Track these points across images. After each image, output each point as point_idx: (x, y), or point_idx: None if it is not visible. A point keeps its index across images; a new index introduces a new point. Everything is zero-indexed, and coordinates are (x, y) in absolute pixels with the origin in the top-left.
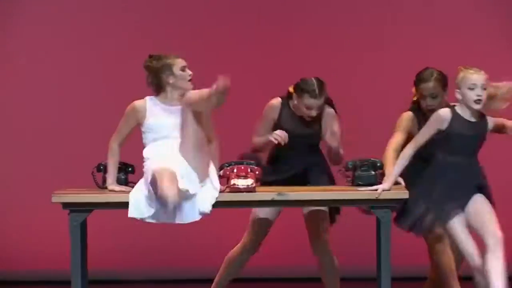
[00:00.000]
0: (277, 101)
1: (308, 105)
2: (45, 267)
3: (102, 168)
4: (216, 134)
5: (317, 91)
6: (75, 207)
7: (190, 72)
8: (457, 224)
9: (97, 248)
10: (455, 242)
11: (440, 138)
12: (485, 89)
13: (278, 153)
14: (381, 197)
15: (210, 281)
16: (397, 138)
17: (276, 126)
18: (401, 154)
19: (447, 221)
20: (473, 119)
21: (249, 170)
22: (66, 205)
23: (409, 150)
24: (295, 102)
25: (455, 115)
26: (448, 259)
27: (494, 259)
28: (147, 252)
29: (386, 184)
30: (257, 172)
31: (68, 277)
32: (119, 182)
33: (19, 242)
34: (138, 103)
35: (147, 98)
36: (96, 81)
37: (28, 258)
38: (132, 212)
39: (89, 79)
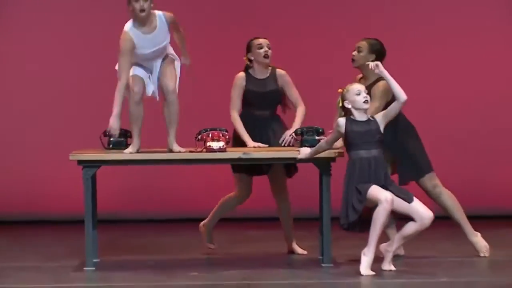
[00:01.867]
0: (241, 73)
1: (258, 44)
2: (61, 209)
3: (107, 133)
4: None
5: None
6: (88, 163)
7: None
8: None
9: (103, 193)
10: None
11: (345, 139)
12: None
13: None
14: (322, 155)
15: (199, 220)
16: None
17: (245, 92)
18: None
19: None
20: (364, 119)
21: (221, 135)
22: (80, 161)
23: None
24: (253, 56)
25: (349, 120)
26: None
27: None
28: (145, 195)
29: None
30: (227, 136)
31: (80, 217)
32: (121, 144)
33: (42, 189)
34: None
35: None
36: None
37: (46, 202)
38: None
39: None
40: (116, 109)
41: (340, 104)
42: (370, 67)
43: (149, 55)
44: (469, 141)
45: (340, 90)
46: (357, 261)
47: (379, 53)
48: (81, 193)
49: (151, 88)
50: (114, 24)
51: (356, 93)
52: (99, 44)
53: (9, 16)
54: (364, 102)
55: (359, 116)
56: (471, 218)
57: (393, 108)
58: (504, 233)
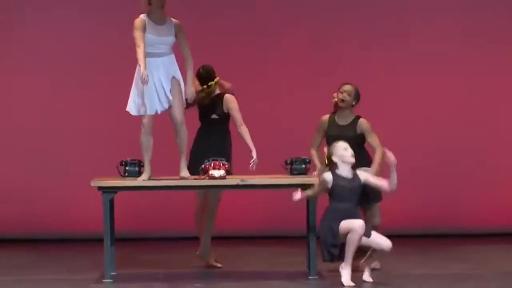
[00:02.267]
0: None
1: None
2: (83, 228)
3: (123, 163)
4: None
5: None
6: (106, 189)
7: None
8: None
9: (120, 214)
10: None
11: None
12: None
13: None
14: (309, 182)
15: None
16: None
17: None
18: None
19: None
20: (350, 175)
21: (221, 165)
22: (100, 188)
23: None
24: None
25: (334, 175)
26: None
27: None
28: (157, 216)
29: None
30: (227, 166)
31: (100, 236)
32: (134, 173)
33: (67, 211)
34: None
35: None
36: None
37: (70, 222)
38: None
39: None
40: (142, 65)
41: (327, 161)
42: (390, 159)
43: (155, 43)
44: (425, 164)
45: (325, 149)
46: (339, 274)
47: (359, 97)
48: (100, 215)
49: (159, 108)
50: (123, 47)
51: (344, 148)
52: (116, 77)
53: (28, 47)
54: (351, 156)
55: (344, 171)
56: (431, 236)
57: (378, 186)
58: (464, 250)
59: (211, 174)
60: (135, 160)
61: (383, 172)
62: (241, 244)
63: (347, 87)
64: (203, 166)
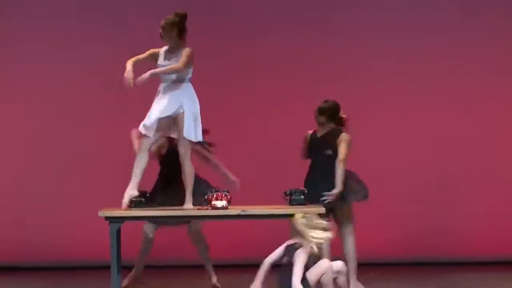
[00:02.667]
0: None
1: None
2: (91, 256)
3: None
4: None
5: None
6: (113, 219)
7: None
8: None
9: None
10: None
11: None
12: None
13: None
14: (308, 211)
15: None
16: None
17: None
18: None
19: None
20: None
21: (223, 196)
22: (107, 218)
23: None
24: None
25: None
26: None
27: None
28: (159, 246)
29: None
30: (228, 197)
31: (106, 263)
32: (140, 204)
33: (74, 240)
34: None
35: None
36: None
37: (78, 250)
38: None
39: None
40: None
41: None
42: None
43: (161, 67)
44: (413, 193)
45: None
46: None
47: (336, 112)
48: (107, 244)
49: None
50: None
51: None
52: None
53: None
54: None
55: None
56: (421, 264)
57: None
58: (453, 278)
59: (214, 204)
60: (140, 191)
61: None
62: (244, 271)
63: (323, 105)
64: (206, 197)
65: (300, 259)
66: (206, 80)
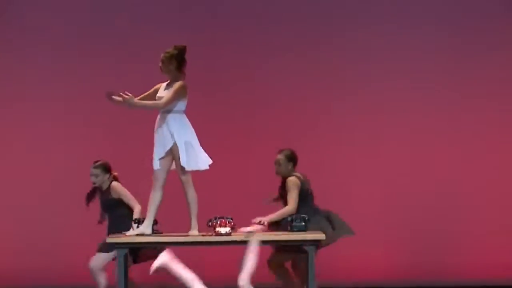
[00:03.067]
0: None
1: None
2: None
3: (137, 221)
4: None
5: None
6: (121, 245)
7: None
8: None
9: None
10: None
11: None
12: None
13: None
14: (309, 238)
15: None
16: None
17: None
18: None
19: None
20: None
21: (227, 222)
22: (115, 243)
23: None
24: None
25: None
26: None
27: None
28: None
29: None
30: (232, 223)
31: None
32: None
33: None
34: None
35: None
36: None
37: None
38: None
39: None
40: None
41: None
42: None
43: (159, 99)
44: (412, 221)
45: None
46: None
47: (294, 159)
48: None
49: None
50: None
51: None
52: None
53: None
54: None
55: None
56: None
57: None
58: None
59: (218, 231)
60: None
61: None
62: None
63: (277, 158)
64: (210, 223)
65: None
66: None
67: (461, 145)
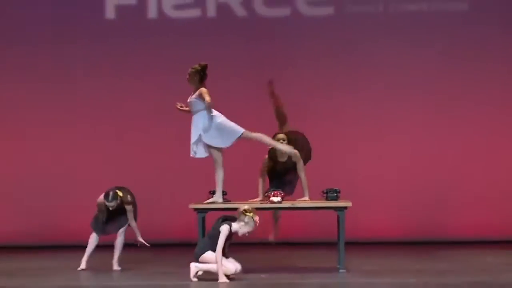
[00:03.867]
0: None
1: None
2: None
3: (212, 192)
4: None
5: None
6: (200, 210)
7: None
8: None
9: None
10: None
11: None
12: None
13: None
14: (340, 205)
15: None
16: None
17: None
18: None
19: None
20: None
21: (279, 193)
22: (196, 209)
23: None
24: None
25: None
26: None
27: None
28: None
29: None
30: (282, 195)
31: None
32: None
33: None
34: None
35: None
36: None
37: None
38: None
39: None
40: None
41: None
42: None
43: (190, 103)
44: (421, 190)
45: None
46: (364, 270)
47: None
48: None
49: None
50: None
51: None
52: None
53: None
54: None
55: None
56: (425, 243)
57: None
58: (448, 253)
59: (272, 200)
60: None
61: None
62: (289, 248)
63: (282, 135)
64: (266, 194)
65: (223, 232)
66: None
67: (458, 130)
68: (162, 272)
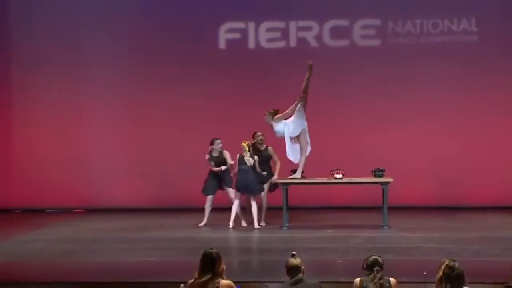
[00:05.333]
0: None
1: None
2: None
3: (292, 171)
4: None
5: None
6: (283, 184)
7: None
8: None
9: None
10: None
11: None
12: None
13: None
14: (385, 180)
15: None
16: None
17: None
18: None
19: None
20: None
21: (340, 171)
22: (281, 183)
23: None
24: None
25: None
26: None
27: None
28: None
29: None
30: (343, 172)
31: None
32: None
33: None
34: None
35: None
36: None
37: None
38: None
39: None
40: None
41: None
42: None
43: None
44: (440, 165)
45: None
46: (401, 228)
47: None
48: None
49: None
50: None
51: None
52: None
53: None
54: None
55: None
56: (446, 209)
57: None
58: (463, 216)
59: (335, 176)
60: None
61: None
62: (342, 210)
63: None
64: (331, 172)
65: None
66: None
67: (473, 121)
68: None
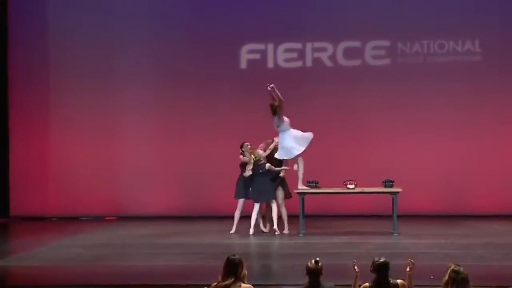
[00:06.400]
0: None
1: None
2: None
3: (308, 182)
4: None
5: None
6: (302, 193)
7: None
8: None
9: None
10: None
11: None
12: None
13: None
14: (394, 191)
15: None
16: None
17: None
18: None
19: None
20: None
21: (352, 182)
22: (298, 192)
23: None
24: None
25: None
26: None
27: None
28: None
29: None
30: (355, 182)
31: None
32: (313, 183)
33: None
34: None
35: None
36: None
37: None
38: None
39: None
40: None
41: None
42: None
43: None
44: (446, 173)
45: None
46: (410, 234)
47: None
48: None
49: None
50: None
51: None
52: None
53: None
54: None
55: None
56: (452, 217)
57: None
58: (466, 223)
59: (348, 187)
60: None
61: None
62: (352, 218)
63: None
64: (344, 182)
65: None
66: None
67: (478, 135)
68: None
